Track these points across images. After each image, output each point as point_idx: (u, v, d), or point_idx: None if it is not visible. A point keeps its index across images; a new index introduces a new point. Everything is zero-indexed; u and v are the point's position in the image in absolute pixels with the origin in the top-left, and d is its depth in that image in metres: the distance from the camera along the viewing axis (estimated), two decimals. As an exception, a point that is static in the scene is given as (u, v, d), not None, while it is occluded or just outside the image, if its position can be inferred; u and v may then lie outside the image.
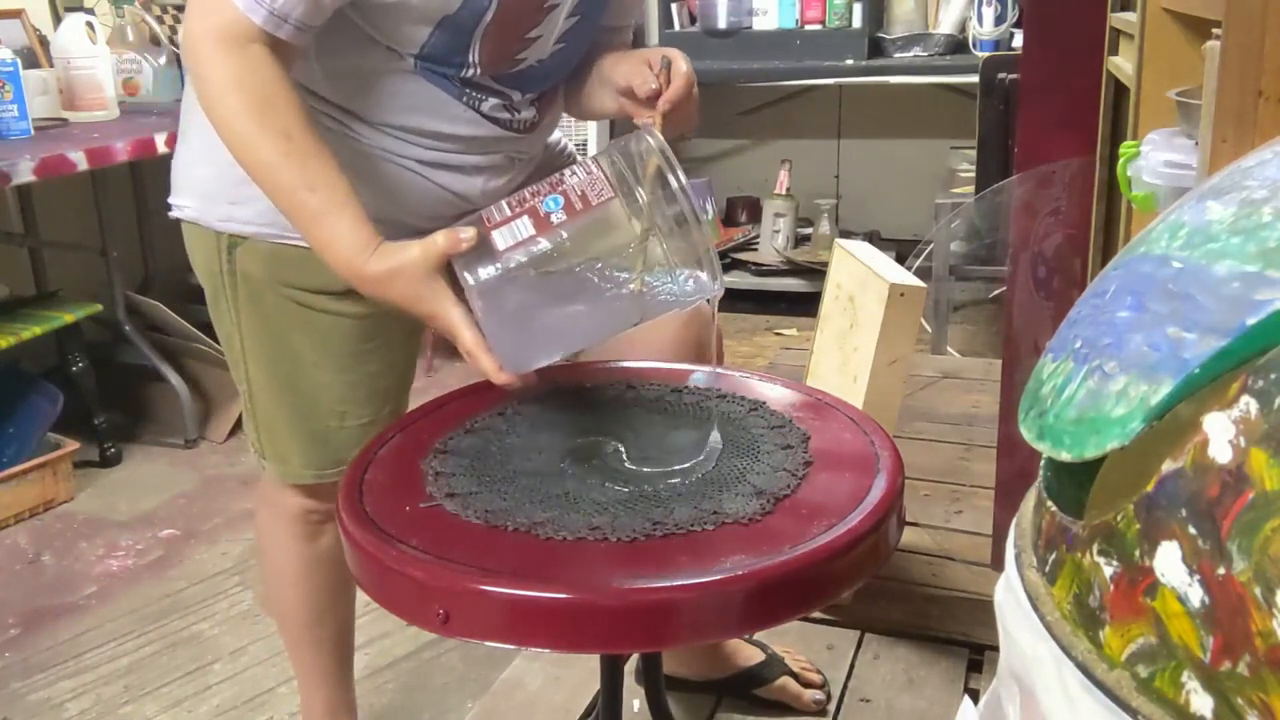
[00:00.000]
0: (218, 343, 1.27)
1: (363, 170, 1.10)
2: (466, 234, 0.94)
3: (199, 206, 1.17)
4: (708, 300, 1.01)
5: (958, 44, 3.42)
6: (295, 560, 1.35)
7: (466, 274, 0.94)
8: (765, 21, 3.57)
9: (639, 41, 4.03)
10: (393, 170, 1.12)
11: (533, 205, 0.95)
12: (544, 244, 0.94)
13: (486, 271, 0.94)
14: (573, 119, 1.41)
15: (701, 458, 0.94)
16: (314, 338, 1.18)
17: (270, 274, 1.16)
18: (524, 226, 0.94)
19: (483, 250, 0.94)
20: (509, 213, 0.95)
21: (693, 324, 1.29)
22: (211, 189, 1.15)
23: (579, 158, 0.97)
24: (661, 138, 0.97)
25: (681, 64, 1.09)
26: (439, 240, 0.95)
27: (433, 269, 0.95)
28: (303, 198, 0.98)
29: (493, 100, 1.13)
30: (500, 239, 0.94)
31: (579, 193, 0.95)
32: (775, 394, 1.08)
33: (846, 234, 3.64)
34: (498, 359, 0.95)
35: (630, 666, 1.40)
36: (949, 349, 2.93)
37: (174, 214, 1.20)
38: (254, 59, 0.97)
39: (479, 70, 1.09)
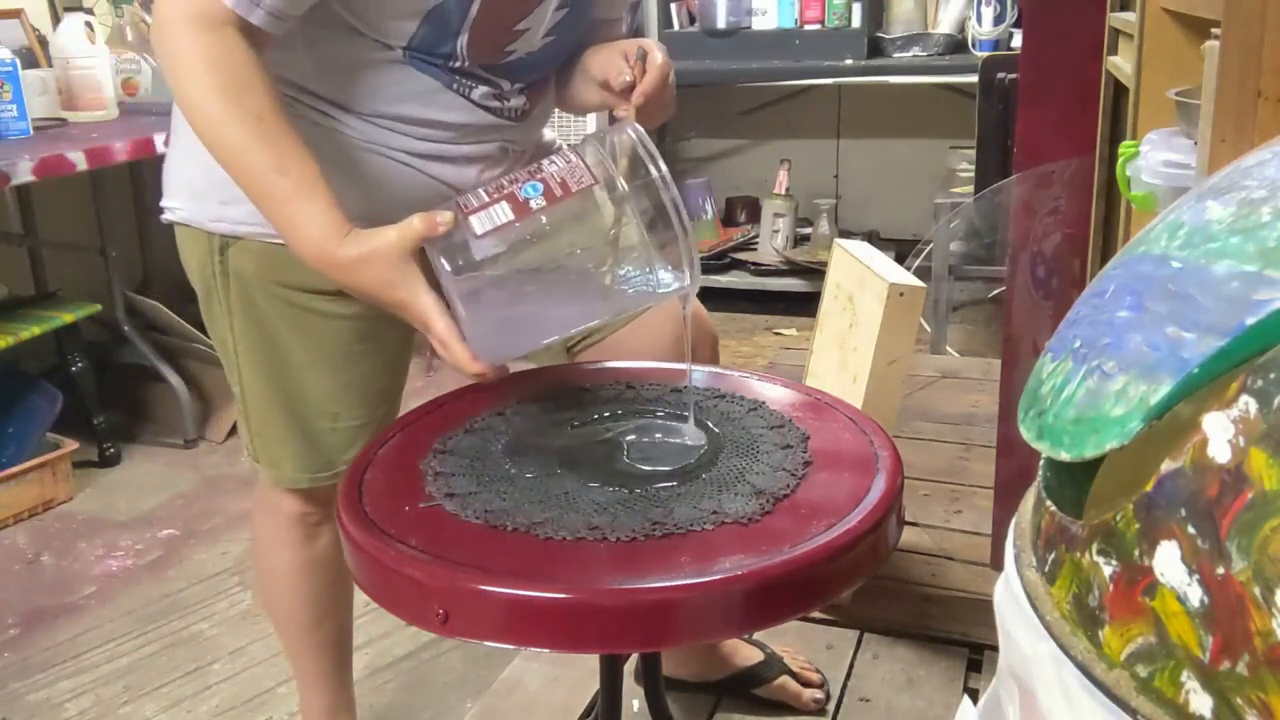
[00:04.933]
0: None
1: (353, 166, 1.10)
2: (444, 218, 0.91)
3: (190, 208, 1.16)
4: (683, 297, 0.97)
5: (957, 44, 3.43)
6: (293, 563, 1.35)
7: (444, 260, 0.90)
8: (765, 21, 3.57)
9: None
10: (384, 164, 1.11)
11: (511, 191, 0.91)
12: (522, 230, 0.90)
13: (464, 258, 0.90)
14: (571, 119, 1.40)
15: (697, 459, 0.94)
16: (306, 338, 1.18)
17: (262, 273, 1.15)
18: (502, 212, 0.90)
19: (460, 236, 0.90)
20: (487, 198, 0.91)
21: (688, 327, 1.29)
22: (202, 189, 1.14)
23: (563, 147, 0.95)
24: (641, 129, 0.94)
25: (657, 55, 1.08)
26: (415, 223, 0.91)
27: (407, 253, 0.92)
28: (273, 181, 0.95)
29: (483, 88, 1.12)
30: (478, 224, 0.90)
31: (559, 180, 0.91)
32: (775, 394, 1.08)
33: (846, 234, 3.64)
34: (471, 349, 0.92)
35: (630, 666, 1.40)
36: (948, 349, 2.93)
37: (166, 217, 1.19)
38: (226, 40, 0.95)
39: (467, 61, 1.08)
